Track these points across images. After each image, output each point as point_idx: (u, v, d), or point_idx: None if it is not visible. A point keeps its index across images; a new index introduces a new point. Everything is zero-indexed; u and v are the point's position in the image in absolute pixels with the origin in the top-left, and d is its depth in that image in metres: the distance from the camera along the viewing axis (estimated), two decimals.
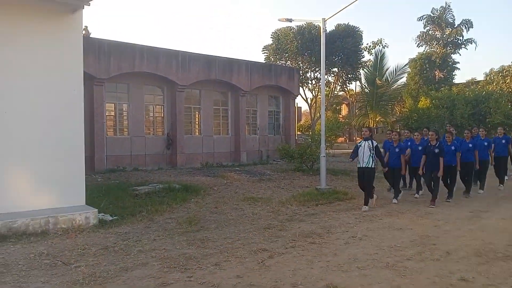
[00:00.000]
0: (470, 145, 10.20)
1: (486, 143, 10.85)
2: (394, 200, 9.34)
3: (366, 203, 8.64)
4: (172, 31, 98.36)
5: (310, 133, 21.71)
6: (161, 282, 4.45)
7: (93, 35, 15.44)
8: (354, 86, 37.76)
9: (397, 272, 4.70)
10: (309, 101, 30.91)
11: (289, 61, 28.37)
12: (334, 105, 42.37)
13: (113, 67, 14.91)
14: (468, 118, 22.51)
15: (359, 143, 8.87)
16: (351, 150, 10.04)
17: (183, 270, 4.84)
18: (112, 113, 15.81)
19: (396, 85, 30.99)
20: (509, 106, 27.15)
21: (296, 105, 24.00)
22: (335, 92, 33.37)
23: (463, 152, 9.94)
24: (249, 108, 19.87)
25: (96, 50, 14.36)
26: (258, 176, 13.39)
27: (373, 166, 8.54)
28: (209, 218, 7.74)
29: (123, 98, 15.95)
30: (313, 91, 30.03)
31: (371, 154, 8.47)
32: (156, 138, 16.87)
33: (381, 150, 9.55)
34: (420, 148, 9.77)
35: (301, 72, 26.80)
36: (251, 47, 79.38)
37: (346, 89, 34.09)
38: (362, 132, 9.05)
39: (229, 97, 19.10)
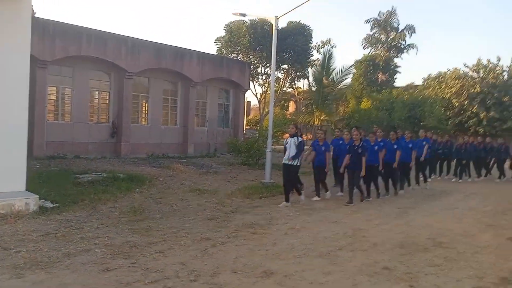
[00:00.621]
0: (395, 146, 10.45)
1: (410, 145, 11.14)
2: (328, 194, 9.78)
3: (287, 200, 8.61)
4: (122, 17, 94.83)
5: (258, 128, 22.12)
6: (104, 267, 4.54)
7: (38, 15, 14.69)
8: (302, 84, 38.76)
9: (329, 260, 5.13)
10: (258, 96, 31.34)
11: (240, 55, 28.55)
12: (283, 102, 43.16)
13: (58, 50, 14.31)
14: (405, 121, 24.03)
15: (286, 140, 8.88)
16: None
17: (127, 257, 4.96)
18: (54, 97, 15.19)
19: (341, 85, 32.16)
20: (442, 111, 29.29)
21: (245, 100, 24.31)
22: (284, 88, 34.08)
23: (388, 153, 10.24)
24: (199, 100, 19.87)
25: (40, 30, 13.68)
26: (205, 169, 13.53)
27: (297, 164, 8.55)
28: (154, 208, 7.82)
29: (66, 82, 15.36)
30: (263, 86, 30.47)
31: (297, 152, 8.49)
32: (100, 125, 16.44)
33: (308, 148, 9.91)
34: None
35: (252, 67, 27.12)
36: (203, 38, 78.56)
37: (294, 86, 34.89)
38: (288, 129, 8.96)
39: (179, 87, 18.97)
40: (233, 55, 28.16)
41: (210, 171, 13.24)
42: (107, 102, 16.65)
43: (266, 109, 27.31)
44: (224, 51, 28.52)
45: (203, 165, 14.23)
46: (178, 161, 15.02)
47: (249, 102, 40.98)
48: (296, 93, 39.82)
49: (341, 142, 10.64)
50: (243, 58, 27.94)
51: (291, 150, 8.53)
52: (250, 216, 7.56)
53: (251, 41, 26.74)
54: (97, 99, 16.54)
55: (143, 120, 18.04)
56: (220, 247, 5.55)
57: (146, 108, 18.09)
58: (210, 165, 14.54)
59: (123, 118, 16.49)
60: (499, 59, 31.58)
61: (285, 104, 45.79)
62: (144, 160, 15.14)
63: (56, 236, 5.60)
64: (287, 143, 8.79)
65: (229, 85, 21.35)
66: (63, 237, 5.59)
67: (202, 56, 19.29)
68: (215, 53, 26.82)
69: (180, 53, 18.30)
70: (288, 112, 43.07)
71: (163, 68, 17.69)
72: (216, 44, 29.90)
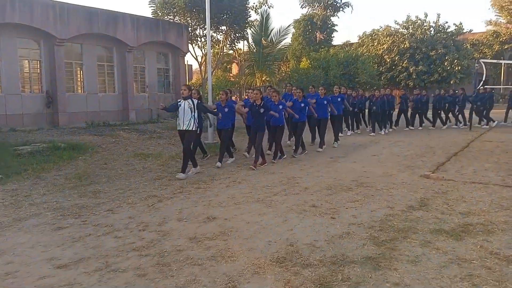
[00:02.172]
0: (302, 105, 10.05)
1: (325, 101, 11.02)
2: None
3: (183, 171, 7.76)
4: None
5: (201, 91, 22.19)
6: (56, 227, 4.86)
7: None
8: (243, 45, 38.75)
9: (265, 204, 5.78)
10: (199, 59, 31.06)
11: (177, 17, 27.88)
12: (225, 64, 43.01)
13: None
14: (340, 78, 25.14)
15: (179, 101, 7.90)
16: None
17: (77, 216, 5.28)
18: None
19: (280, 45, 32.67)
20: (375, 67, 30.88)
21: (186, 63, 24.12)
22: (225, 50, 33.96)
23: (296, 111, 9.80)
24: (137, 65, 19.51)
25: None
26: (148, 134, 13.67)
27: (193, 129, 7.78)
28: (99, 174, 8.03)
29: None
30: (203, 49, 30.18)
31: (193, 116, 7.71)
32: (34, 96, 15.81)
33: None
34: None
35: (190, 29, 26.69)
36: (137, 1, 74.64)
37: (235, 48, 34.86)
38: (181, 91, 7.96)
39: (115, 53, 18.47)
40: (169, 17, 27.44)
41: (154, 136, 13.42)
42: (39, 71, 15.95)
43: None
44: (160, 14, 27.70)
45: (146, 131, 14.33)
46: (120, 128, 14.96)
47: (190, 66, 40.30)
48: (237, 55, 39.85)
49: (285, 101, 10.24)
50: (180, 20, 27.34)
51: (185, 115, 7.67)
52: (194, 174, 8.01)
53: (187, 3, 26.16)
54: (27, 69, 15.78)
55: (79, 88, 17.51)
56: (166, 202, 6.01)
57: (81, 75, 17.53)
58: (154, 130, 14.67)
59: (58, 87, 15.95)
60: (426, 15, 33.53)
61: (228, 67, 45.65)
62: (84, 129, 14.89)
63: (4, 205, 5.75)
64: (180, 105, 7.78)
65: (167, 48, 21.06)
66: (11, 204, 5.76)
67: (137, 20, 18.78)
68: (151, 16, 26.01)
69: (113, 17, 17.70)
70: (231, 74, 43.10)
71: (96, 33, 17.10)
72: (151, 7, 28.89)
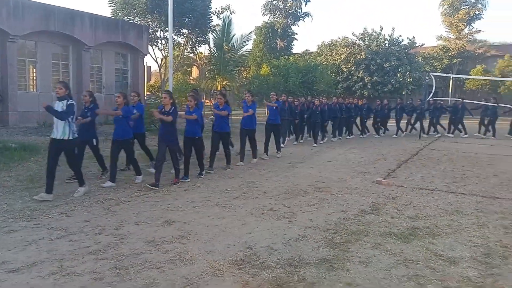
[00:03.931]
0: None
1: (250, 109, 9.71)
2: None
3: (80, 185, 6.46)
4: None
5: (160, 94, 21.92)
6: (8, 230, 4.68)
7: None
8: (204, 49, 38.63)
9: (224, 208, 5.84)
10: (159, 61, 30.63)
11: (137, 18, 27.42)
12: (185, 67, 42.68)
13: None
14: (299, 86, 25.71)
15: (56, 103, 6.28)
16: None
17: (29, 219, 5.10)
18: None
19: (242, 51, 32.89)
20: (332, 76, 31.81)
21: (145, 65, 23.72)
22: (186, 53, 33.71)
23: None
24: (93, 65, 18.98)
25: None
26: (104, 136, 13.30)
27: (69, 138, 6.07)
28: None
29: None
30: (163, 51, 29.82)
31: (68, 121, 6.09)
32: None
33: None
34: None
35: (150, 31, 26.31)
36: (95, 1, 72.29)
37: (195, 51, 34.70)
38: (56, 90, 6.38)
39: (70, 52, 17.89)
40: (129, 17, 26.94)
41: (110, 138, 13.05)
42: None
43: (168, 75, 26.93)
44: (120, 14, 27.13)
45: (101, 133, 13.92)
46: None
47: (149, 67, 39.70)
48: (198, 59, 39.65)
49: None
50: (140, 21, 26.90)
51: (58, 120, 6.08)
52: (153, 178, 7.90)
53: (148, 4, 25.81)
54: None
55: (32, 87, 16.79)
56: (123, 205, 5.93)
57: (34, 74, 16.82)
58: (110, 132, 14.26)
59: (9, 85, 15.21)
60: (381, 29, 35.01)
61: (188, 70, 45.33)
62: (36, 129, 14.30)
63: None
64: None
65: (126, 49, 20.65)
66: None
67: (95, 19, 18.31)
68: (110, 16, 25.41)
69: (70, 15, 17.16)
70: (191, 78, 42.81)
71: (52, 31, 16.49)
72: (111, 6, 28.24)
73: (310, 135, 14.48)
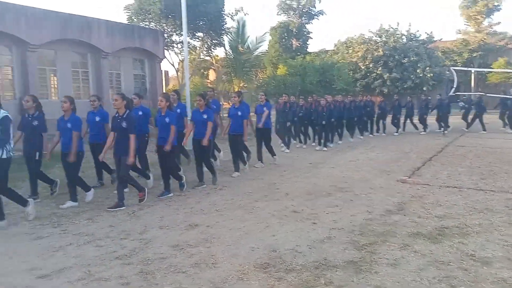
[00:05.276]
0: (205, 116, 7.50)
1: (239, 112, 8.47)
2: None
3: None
4: None
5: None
6: (36, 236, 4.76)
7: None
8: (220, 52, 38.85)
9: (246, 211, 5.82)
10: (176, 65, 30.90)
11: (153, 23, 27.70)
12: (202, 70, 42.90)
13: None
14: (316, 85, 25.47)
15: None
16: None
17: (56, 226, 5.19)
18: None
19: (257, 52, 32.88)
20: (350, 74, 31.45)
21: (162, 69, 24.00)
22: (202, 57, 33.91)
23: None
24: (112, 71, 19.29)
25: None
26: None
27: (3, 156, 5.35)
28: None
29: None
30: (179, 55, 30.06)
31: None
32: (6, 103, 15.32)
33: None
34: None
35: (166, 35, 26.56)
36: (112, 7, 73.59)
37: (211, 54, 34.85)
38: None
39: (89, 59, 18.23)
40: (144, 23, 27.25)
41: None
42: (11, 78, 15.55)
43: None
44: (135, 20, 27.46)
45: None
46: None
47: (166, 72, 40.10)
48: (214, 61, 39.82)
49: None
50: (155, 26, 27.18)
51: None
52: (174, 182, 7.94)
53: (162, 9, 26.05)
54: None
55: (54, 95, 17.16)
56: (146, 210, 5.96)
57: (56, 82, 17.18)
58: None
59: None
60: (398, 24, 34.50)
61: (205, 73, 45.54)
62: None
63: None
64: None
65: (143, 55, 20.91)
66: None
67: (111, 25, 18.61)
68: (126, 22, 25.76)
69: (87, 23, 17.48)
70: (208, 81, 43.02)
71: (70, 39, 16.84)
72: (126, 13, 28.62)
73: (315, 138, 13.07)
